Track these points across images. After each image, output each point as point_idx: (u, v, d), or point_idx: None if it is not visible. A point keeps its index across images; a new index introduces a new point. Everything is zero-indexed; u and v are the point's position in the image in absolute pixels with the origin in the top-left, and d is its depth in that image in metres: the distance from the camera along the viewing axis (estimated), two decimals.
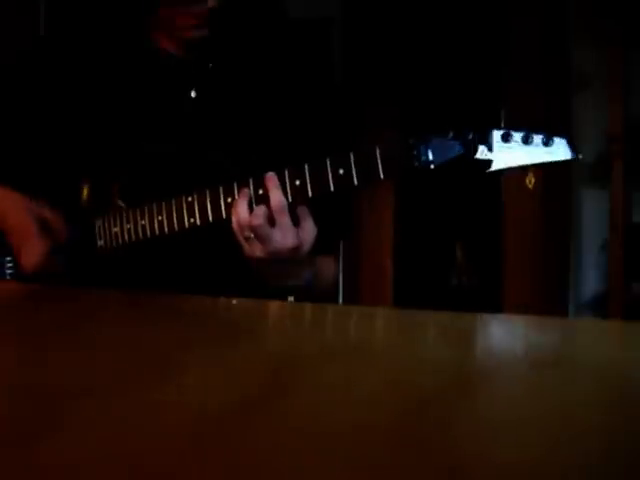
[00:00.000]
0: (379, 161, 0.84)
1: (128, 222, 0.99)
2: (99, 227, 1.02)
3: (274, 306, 0.74)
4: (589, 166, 2.39)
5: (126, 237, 0.99)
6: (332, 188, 0.87)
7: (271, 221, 0.88)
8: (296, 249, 0.89)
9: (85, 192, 1.05)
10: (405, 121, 2.56)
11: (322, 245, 0.94)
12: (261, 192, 0.89)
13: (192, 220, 0.94)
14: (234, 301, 0.70)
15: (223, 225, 0.92)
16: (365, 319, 0.63)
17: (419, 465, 0.20)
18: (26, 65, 1.11)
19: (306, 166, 0.88)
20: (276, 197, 0.88)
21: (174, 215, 0.95)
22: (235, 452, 0.21)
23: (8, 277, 1.06)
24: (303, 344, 0.45)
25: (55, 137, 1.07)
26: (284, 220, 0.88)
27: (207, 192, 0.93)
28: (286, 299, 0.96)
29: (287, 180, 0.88)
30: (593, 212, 2.42)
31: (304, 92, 1.08)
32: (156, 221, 0.96)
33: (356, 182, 0.86)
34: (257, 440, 0.22)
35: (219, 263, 1.04)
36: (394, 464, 0.20)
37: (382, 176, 0.85)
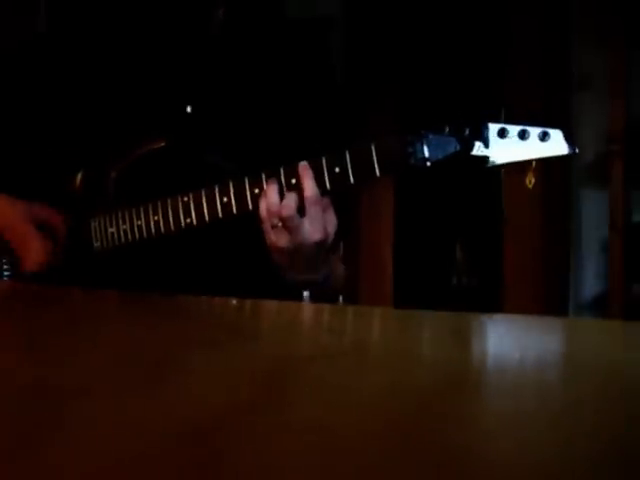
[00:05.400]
0: (375, 158, 0.84)
1: (124, 222, 0.99)
2: (95, 228, 1.02)
3: (274, 306, 0.74)
4: (589, 166, 2.39)
5: (122, 238, 0.99)
6: (328, 186, 0.87)
7: (301, 211, 0.87)
8: (322, 242, 0.88)
9: (80, 183, 1.05)
10: (406, 120, 2.56)
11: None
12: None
13: (188, 220, 0.93)
14: (234, 301, 0.70)
15: (222, 224, 0.92)
16: (365, 319, 0.63)
17: (419, 466, 0.20)
18: (26, 59, 1.11)
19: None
20: (310, 187, 0.86)
21: (170, 215, 0.95)
22: (235, 453, 0.21)
23: (5, 277, 1.05)
24: (303, 344, 0.45)
25: (53, 131, 1.07)
26: (315, 211, 0.87)
27: (202, 192, 0.92)
28: (301, 294, 0.94)
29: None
30: (593, 212, 2.42)
31: (304, 92, 1.08)
32: (152, 221, 0.96)
33: (352, 180, 0.85)
34: (258, 440, 0.22)
35: (218, 263, 1.04)
36: (394, 465, 0.20)
37: (378, 173, 0.84)
